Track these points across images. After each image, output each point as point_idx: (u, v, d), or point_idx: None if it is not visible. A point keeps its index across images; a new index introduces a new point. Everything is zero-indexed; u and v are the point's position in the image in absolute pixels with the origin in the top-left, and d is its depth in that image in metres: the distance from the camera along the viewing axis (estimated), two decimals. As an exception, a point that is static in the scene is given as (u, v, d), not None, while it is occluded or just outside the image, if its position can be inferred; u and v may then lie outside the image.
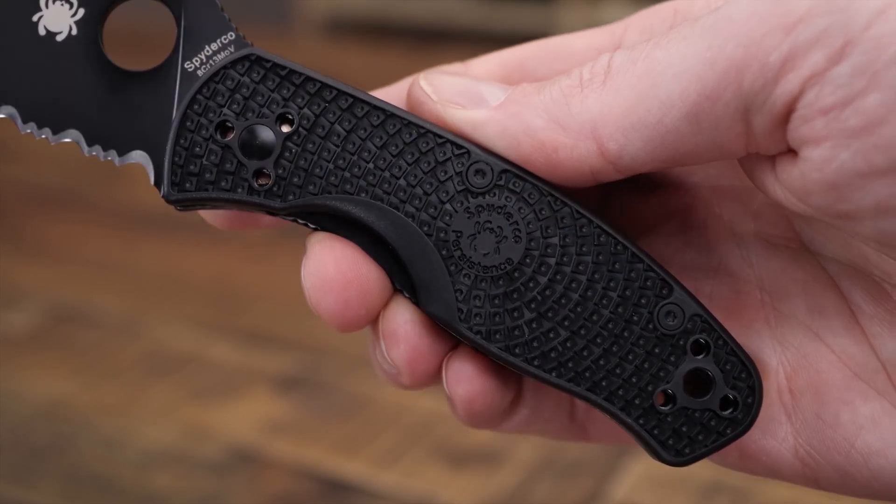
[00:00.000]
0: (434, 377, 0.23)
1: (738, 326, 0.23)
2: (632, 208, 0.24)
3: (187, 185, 0.22)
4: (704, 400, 0.21)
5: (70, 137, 0.23)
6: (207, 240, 0.65)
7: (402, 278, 0.22)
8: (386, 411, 0.46)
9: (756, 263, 0.23)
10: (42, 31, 0.23)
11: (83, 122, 0.23)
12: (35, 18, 0.23)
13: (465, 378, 0.22)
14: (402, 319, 0.22)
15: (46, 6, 0.23)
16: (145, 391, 0.48)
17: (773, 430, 0.22)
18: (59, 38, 0.23)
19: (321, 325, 0.55)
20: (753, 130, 0.19)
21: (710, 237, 0.23)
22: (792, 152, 0.19)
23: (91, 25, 0.23)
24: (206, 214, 0.24)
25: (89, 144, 0.23)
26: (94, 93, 0.23)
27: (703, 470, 0.41)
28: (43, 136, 0.23)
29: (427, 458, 0.43)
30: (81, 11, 0.23)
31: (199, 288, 0.59)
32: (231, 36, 0.23)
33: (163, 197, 0.22)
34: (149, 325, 0.55)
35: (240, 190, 0.22)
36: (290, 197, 0.22)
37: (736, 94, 0.18)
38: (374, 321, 0.23)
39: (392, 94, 0.24)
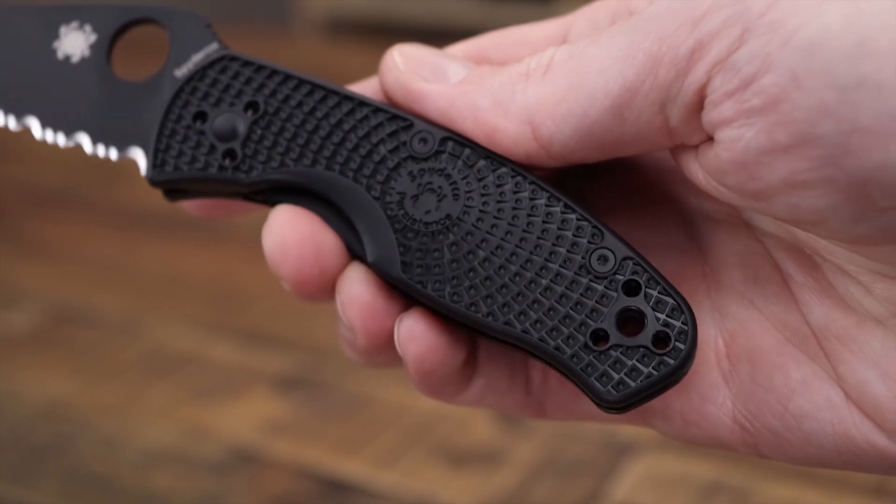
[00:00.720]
0: (388, 338, 0.24)
1: None
2: (587, 191, 0.26)
3: (167, 167, 0.25)
4: (637, 337, 0.22)
5: (78, 140, 0.26)
6: (207, 240, 0.65)
7: (359, 246, 0.24)
8: (386, 411, 0.46)
9: (699, 238, 0.24)
10: (60, 56, 0.27)
11: (91, 127, 0.26)
12: (54, 46, 0.27)
13: (416, 335, 0.23)
14: (356, 279, 0.24)
15: (64, 35, 0.27)
16: (145, 391, 0.48)
17: (713, 396, 0.23)
18: (74, 60, 0.26)
19: (321, 325, 0.55)
20: (671, 123, 0.20)
21: (659, 216, 0.25)
22: (710, 139, 0.20)
23: (101, 48, 0.27)
24: (188, 205, 0.27)
25: (93, 144, 0.26)
26: (101, 102, 0.26)
27: (704, 470, 0.41)
28: (56, 141, 0.26)
29: (427, 458, 0.43)
30: (94, 37, 0.27)
31: (199, 288, 0.59)
32: (214, 46, 0.26)
33: (147, 179, 0.25)
34: (149, 325, 0.55)
35: (211, 169, 0.25)
36: (254, 173, 0.25)
37: (652, 86, 0.20)
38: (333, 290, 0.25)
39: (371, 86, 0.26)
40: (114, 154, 0.26)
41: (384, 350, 0.24)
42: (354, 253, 0.25)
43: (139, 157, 0.26)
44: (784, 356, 0.23)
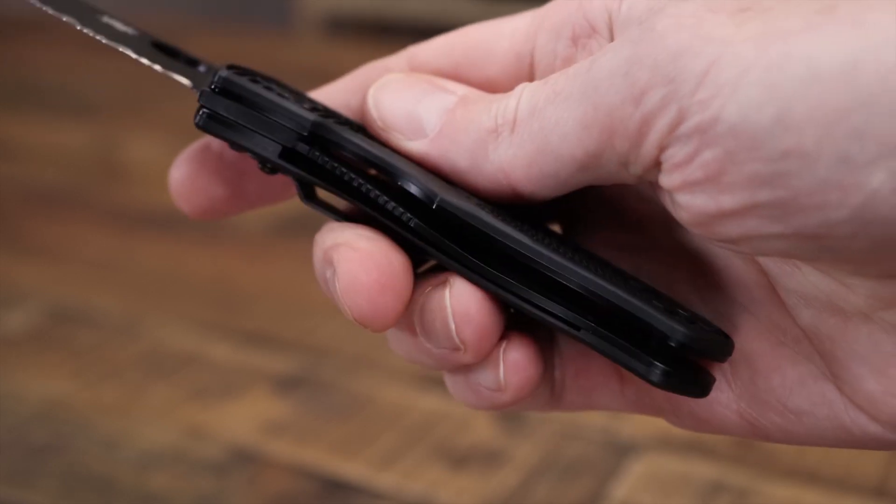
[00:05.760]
0: (491, 352, 0.24)
1: None
2: (570, 197, 0.26)
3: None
4: None
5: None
6: (207, 240, 0.65)
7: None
8: (386, 411, 0.46)
9: (686, 242, 0.25)
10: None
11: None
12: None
13: (521, 367, 0.24)
14: (469, 296, 0.23)
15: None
16: (145, 391, 0.48)
17: (719, 398, 0.24)
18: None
19: (321, 325, 0.55)
20: (636, 175, 0.22)
21: (644, 221, 0.25)
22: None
23: None
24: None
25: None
26: None
27: (705, 470, 0.41)
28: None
29: (427, 458, 0.43)
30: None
31: (199, 288, 0.59)
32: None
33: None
34: (149, 325, 0.55)
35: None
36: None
37: (612, 153, 0.21)
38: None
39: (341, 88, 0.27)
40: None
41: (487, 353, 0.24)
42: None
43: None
44: (780, 357, 0.23)
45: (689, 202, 0.20)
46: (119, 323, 0.55)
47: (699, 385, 0.23)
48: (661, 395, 0.24)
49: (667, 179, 0.21)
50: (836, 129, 0.18)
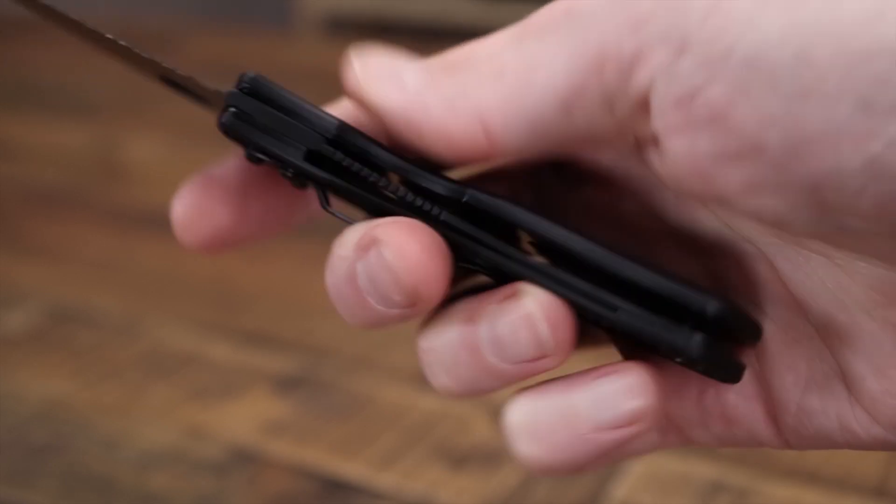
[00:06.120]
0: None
1: None
2: (573, 198, 0.25)
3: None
4: None
5: None
6: (207, 240, 0.65)
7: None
8: (386, 411, 0.46)
9: (694, 242, 0.24)
10: None
11: None
12: None
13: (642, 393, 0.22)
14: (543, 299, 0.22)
15: None
16: (145, 391, 0.48)
17: (745, 391, 0.24)
18: None
19: (321, 325, 0.55)
20: (620, 121, 0.21)
21: (646, 224, 0.25)
22: (658, 142, 0.20)
23: None
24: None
25: None
26: None
27: (704, 470, 0.41)
28: None
29: (427, 458, 0.43)
30: None
31: (199, 288, 0.59)
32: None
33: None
34: (149, 325, 0.55)
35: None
36: None
37: (598, 85, 0.20)
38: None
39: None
40: None
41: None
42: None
43: None
44: (794, 356, 0.23)
45: (688, 146, 0.19)
46: (119, 323, 0.55)
47: (732, 369, 0.22)
48: (691, 404, 0.24)
49: (660, 121, 0.19)
50: (859, 72, 0.17)
